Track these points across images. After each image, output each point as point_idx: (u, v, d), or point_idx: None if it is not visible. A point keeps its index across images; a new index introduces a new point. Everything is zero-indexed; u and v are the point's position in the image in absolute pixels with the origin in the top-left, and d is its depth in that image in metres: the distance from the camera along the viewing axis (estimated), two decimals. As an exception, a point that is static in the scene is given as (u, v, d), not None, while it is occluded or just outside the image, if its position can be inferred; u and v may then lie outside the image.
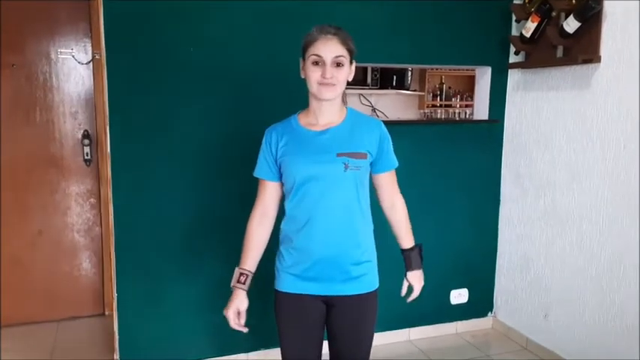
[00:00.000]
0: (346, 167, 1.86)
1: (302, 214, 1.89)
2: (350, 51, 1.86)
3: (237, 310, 1.98)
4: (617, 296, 2.77)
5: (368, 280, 1.97)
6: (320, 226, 1.88)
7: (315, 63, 1.82)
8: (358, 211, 1.93)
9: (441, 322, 3.56)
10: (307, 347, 2.01)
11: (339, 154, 1.87)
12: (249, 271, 1.98)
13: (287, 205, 1.94)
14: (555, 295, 3.17)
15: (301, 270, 1.93)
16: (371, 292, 1.98)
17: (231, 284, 2.00)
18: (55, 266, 3.67)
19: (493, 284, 3.66)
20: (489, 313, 3.69)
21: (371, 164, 1.95)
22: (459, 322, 3.61)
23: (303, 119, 1.95)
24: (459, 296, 3.58)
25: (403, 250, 2.09)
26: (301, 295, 1.94)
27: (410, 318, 3.48)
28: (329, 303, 1.96)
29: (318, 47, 1.82)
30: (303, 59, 1.88)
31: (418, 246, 2.10)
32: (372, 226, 2.01)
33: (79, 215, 3.69)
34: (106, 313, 3.81)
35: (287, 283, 1.96)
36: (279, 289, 1.99)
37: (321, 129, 1.91)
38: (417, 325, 3.50)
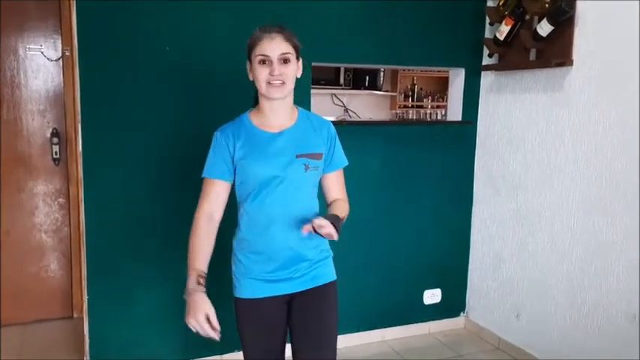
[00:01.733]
0: (307, 168, 1.87)
1: (263, 216, 1.87)
2: (295, 47, 1.86)
3: (205, 314, 1.81)
4: (588, 295, 2.82)
5: (326, 273, 1.98)
6: (282, 228, 1.87)
7: (262, 62, 1.81)
8: (315, 211, 1.94)
9: (415, 322, 3.58)
10: (272, 351, 2.00)
11: (298, 156, 1.87)
12: (204, 272, 1.89)
13: (246, 208, 1.90)
14: (527, 295, 3.22)
15: (263, 273, 1.91)
16: (330, 282, 1.98)
17: (189, 288, 1.84)
18: (21, 267, 3.58)
19: (466, 284, 3.70)
20: (462, 313, 3.72)
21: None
22: (432, 322, 3.64)
23: (255, 119, 1.93)
24: (432, 296, 3.60)
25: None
26: (264, 298, 1.92)
27: (384, 318, 3.49)
28: (290, 302, 1.95)
29: (263, 47, 1.81)
30: (250, 61, 1.86)
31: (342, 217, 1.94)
32: None
33: (47, 215, 3.61)
34: (75, 315, 3.72)
35: (248, 289, 1.93)
36: (240, 297, 1.96)
37: (277, 131, 1.89)
38: (391, 326, 3.51)
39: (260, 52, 1.81)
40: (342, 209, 1.96)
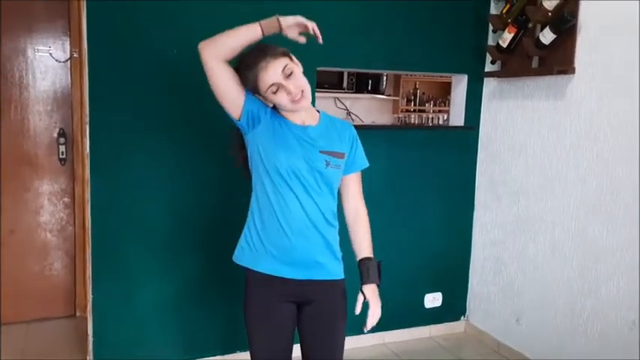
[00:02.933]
0: (327, 165, 1.88)
1: (279, 207, 1.86)
2: (286, 54, 1.85)
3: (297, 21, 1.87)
4: (588, 301, 2.85)
5: (337, 270, 1.99)
6: (298, 221, 1.87)
7: (275, 91, 1.81)
8: (331, 213, 1.95)
9: (415, 326, 3.61)
10: (279, 342, 1.97)
11: (321, 152, 1.89)
12: None
13: (265, 196, 1.88)
14: (527, 300, 3.25)
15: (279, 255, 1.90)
16: (341, 280, 1.99)
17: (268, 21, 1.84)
18: (25, 266, 3.60)
19: (466, 288, 3.73)
20: (462, 317, 3.75)
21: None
22: (433, 326, 3.66)
23: (279, 112, 1.93)
24: (433, 300, 3.63)
25: (362, 260, 1.99)
26: (277, 277, 1.90)
27: (384, 322, 3.44)
28: (300, 306, 1.96)
29: (265, 78, 1.79)
30: (260, 95, 1.86)
31: (379, 261, 2.01)
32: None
33: (52, 214, 3.63)
34: (77, 314, 3.75)
35: (265, 263, 1.90)
36: (255, 269, 1.92)
37: (300, 124, 1.91)
38: (392, 329, 3.53)
39: (267, 84, 1.80)
40: (367, 233, 2.01)
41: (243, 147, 1.98)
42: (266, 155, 1.86)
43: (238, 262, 1.97)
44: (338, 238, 2.00)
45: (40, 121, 3.52)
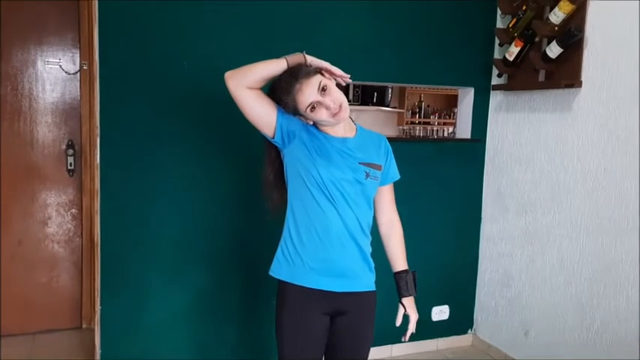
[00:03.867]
0: (367, 176, 1.92)
1: (318, 219, 1.88)
2: (317, 71, 1.87)
3: None
4: (597, 314, 2.84)
5: (371, 281, 2.03)
6: (337, 232, 1.89)
7: (313, 108, 1.83)
8: (367, 225, 1.99)
9: (423, 339, 3.59)
10: (312, 354, 1.98)
11: (360, 163, 1.91)
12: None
13: (304, 205, 1.90)
14: (535, 313, 3.24)
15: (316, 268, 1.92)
16: (373, 292, 2.03)
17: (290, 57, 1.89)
18: (32, 277, 3.60)
19: (474, 301, 3.72)
20: (470, 330, 3.74)
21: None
22: (440, 339, 3.65)
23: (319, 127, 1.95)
24: (440, 313, 3.62)
25: (398, 273, 2.07)
26: (316, 290, 1.91)
27: (392, 334, 3.46)
28: (333, 317, 1.97)
29: (303, 99, 1.82)
30: (300, 115, 1.88)
31: (413, 271, 2.09)
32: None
33: (59, 226, 3.64)
34: (84, 326, 3.74)
35: (304, 276, 1.91)
36: (294, 283, 1.93)
37: (341, 136, 1.93)
38: (399, 342, 3.50)
39: (305, 103, 1.82)
40: (401, 245, 2.10)
41: (277, 158, 2.01)
42: (305, 168, 1.88)
43: (276, 277, 1.99)
44: (371, 249, 2.04)
45: (49, 133, 3.54)
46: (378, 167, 1.96)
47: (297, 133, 1.89)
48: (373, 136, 2.06)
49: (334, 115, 1.83)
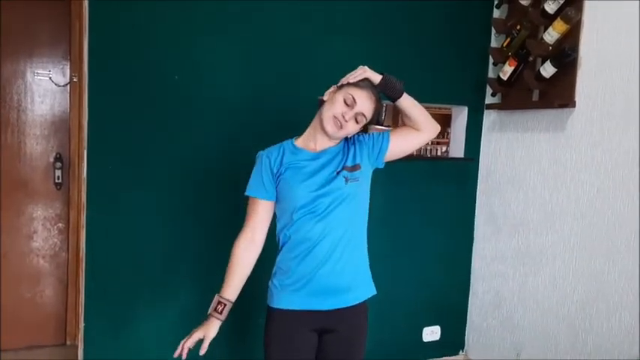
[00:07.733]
0: (346, 181, 1.92)
1: (304, 237, 1.90)
2: (372, 119, 1.97)
3: (203, 335, 1.91)
4: (589, 337, 2.80)
5: (364, 289, 2.03)
6: (324, 250, 1.89)
7: (345, 103, 1.88)
8: (357, 232, 1.99)
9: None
10: None
11: (337, 171, 1.92)
12: (228, 300, 1.94)
13: (287, 232, 1.94)
14: (528, 334, 3.19)
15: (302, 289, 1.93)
16: (364, 302, 2.02)
17: (209, 311, 1.94)
18: (16, 292, 3.52)
19: (465, 322, 3.67)
20: (461, 351, 3.69)
21: (376, 160, 2.01)
22: (431, 360, 3.60)
23: (300, 143, 2.00)
24: (431, 333, 3.57)
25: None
26: (299, 311, 1.92)
27: (382, 354, 3.44)
28: (321, 335, 1.96)
29: (360, 94, 1.90)
30: (338, 88, 1.94)
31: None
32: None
33: (45, 240, 3.57)
34: (68, 342, 3.66)
35: (291, 299, 1.94)
36: (281, 308, 1.95)
37: (319, 150, 1.96)
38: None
39: (353, 94, 1.90)
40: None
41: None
42: (286, 197, 1.92)
43: (272, 306, 1.98)
44: (367, 255, 2.03)
45: (37, 145, 3.49)
46: (356, 168, 1.96)
47: (279, 175, 1.94)
48: (352, 138, 2.05)
49: (335, 118, 1.88)
